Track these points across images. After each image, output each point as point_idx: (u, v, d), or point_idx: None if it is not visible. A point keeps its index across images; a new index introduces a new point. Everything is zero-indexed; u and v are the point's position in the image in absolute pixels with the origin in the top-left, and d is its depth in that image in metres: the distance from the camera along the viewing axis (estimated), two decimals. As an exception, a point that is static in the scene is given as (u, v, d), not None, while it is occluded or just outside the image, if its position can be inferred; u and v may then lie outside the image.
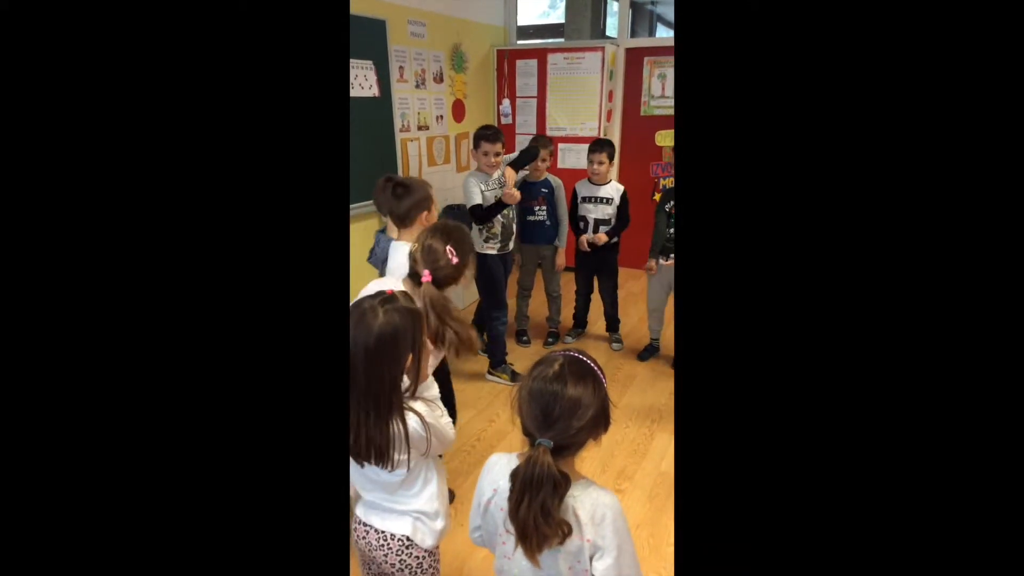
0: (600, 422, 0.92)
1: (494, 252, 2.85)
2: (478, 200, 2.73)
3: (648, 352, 3.16)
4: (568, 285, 3.33)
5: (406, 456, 1.04)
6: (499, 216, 2.77)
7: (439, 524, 1.16)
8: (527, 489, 0.87)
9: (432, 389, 1.17)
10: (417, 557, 1.15)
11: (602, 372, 0.96)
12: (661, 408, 2.68)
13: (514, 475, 0.89)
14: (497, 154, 2.71)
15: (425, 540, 1.14)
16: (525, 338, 3.35)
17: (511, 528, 0.91)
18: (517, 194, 2.68)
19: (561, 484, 0.87)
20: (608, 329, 3.34)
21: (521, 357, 3.13)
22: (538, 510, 0.86)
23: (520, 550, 0.92)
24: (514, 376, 2.93)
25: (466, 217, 2.82)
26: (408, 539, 1.14)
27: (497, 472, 0.99)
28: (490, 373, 2.98)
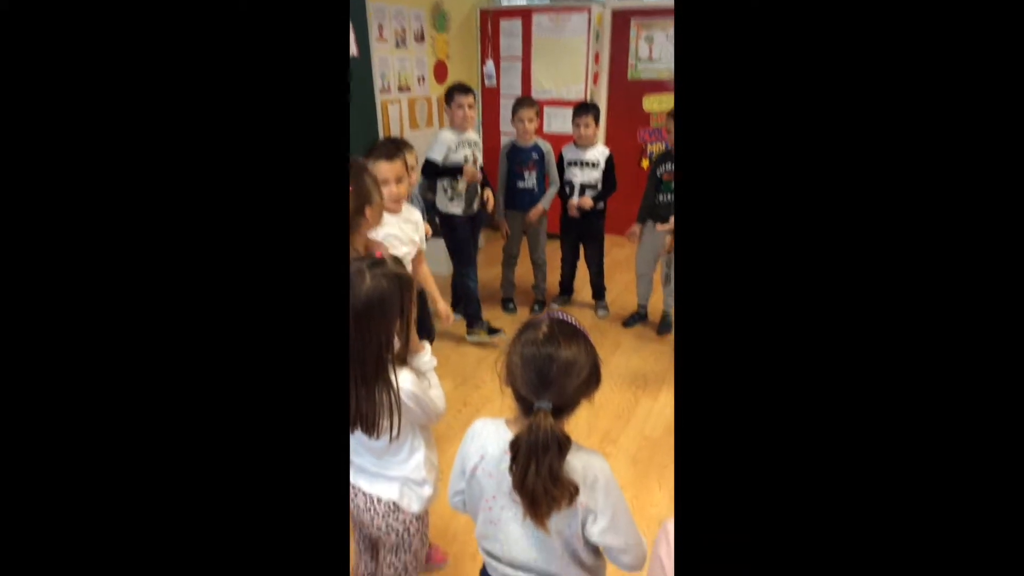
0: (593, 380, 0.92)
1: (458, 212, 2.83)
2: (436, 156, 2.73)
3: (634, 319, 3.17)
4: (554, 252, 3.30)
5: (388, 423, 1.03)
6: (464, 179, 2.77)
7: (426, 491, 1.15)
8: (533, 454, 0.85)
9: (425, 359, 1.15)
10: (404, 521, 1.14)
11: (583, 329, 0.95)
12: (647, 374, 2.69)
13: (515, 444, 0.87)
14: (471, 105, 2.73)
15: (412, 505, 1.14)
16: (511, 305, 3.33)
17: (516, 497, 0.89)
18: (478, 175, 2.77)
19: (565, 445, 0.86)
20: (594, 296, 3.34)
21: (507, 324, 3.11)
22: (546, 474, 0.84)
23: (512, 514, 0.91)
24: (491, 331, 2.94)
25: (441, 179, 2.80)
26: (395, 504, 1.13)
27: (485, 438, 0.97)
28: (469, 333, 2.97)
